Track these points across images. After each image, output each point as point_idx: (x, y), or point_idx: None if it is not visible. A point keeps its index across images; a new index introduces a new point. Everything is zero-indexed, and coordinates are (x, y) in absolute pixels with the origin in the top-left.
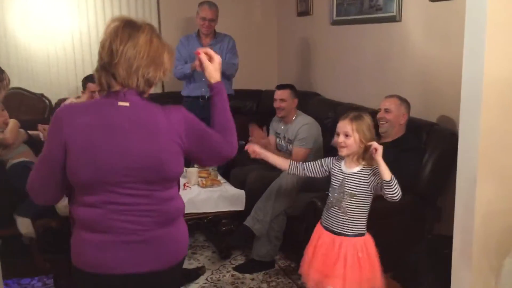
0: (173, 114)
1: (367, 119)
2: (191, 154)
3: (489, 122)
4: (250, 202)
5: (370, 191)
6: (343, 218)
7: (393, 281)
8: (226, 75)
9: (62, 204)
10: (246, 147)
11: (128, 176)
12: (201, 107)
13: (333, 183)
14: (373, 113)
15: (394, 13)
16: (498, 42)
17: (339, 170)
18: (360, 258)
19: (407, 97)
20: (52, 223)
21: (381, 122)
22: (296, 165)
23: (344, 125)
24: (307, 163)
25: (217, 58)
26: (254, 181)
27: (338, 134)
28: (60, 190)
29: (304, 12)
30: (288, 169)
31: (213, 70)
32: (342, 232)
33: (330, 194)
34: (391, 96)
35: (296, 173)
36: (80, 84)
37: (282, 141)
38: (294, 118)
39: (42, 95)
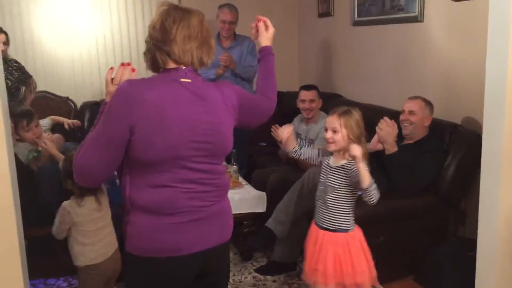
0: (224, 88)
1: (356, 115)
2: (241, 123)
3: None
4: (272, 203)
5: (351, 186)
6: (325, 212)
7: (415, 283)
8: (245, 78)
9: None
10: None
11: (198, 150)
12: None
13: (321, 177)
14: (396, 114)
15: (416, 13)
16: None
17: (327, 164)
18: (340, 254)
19: (430, 98)
20: None
21: (405, 124)
22: (301, 148)
23: (332, 121)
24: (308, 149)
25: (271, 29)
26: (275, 183)
27: (326, 130)
28: (112, 170)
29: (325, 13)
30: (294, 148)
31: (266, 37)
32: (325, 226)
33: (317, 188)
34: (415, 97)
35: (297, 153)
36: (104, 87)
37: (303, 142)
38: (316, 118)
39: (67, 98)
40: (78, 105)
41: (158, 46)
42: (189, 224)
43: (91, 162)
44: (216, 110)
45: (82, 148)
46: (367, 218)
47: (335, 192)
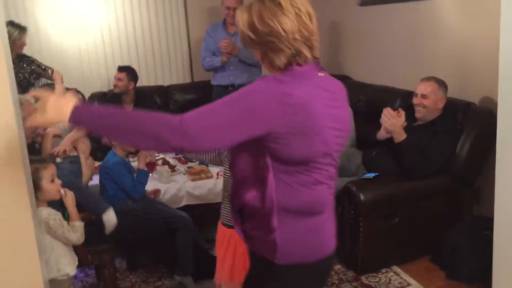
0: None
1: None
2: None
3: (507, 124)
4: None
5: None
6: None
7: (432, 264)
8: (250, 64)
9: None
10: None
11: (340, 145)
12: None
13: (225, 170)
14: (408, 95)
15: None
16: None
17: None
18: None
19: (442, 77)
20: (92, 216)
21: (418, 108)
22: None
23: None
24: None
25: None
26: None
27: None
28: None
29: None
30: None
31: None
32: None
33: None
34: (428, 79)
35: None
36: (111, 77)
37: None
38: None
39: (76, 89)
40: (87, 96)
41: (305, 41)
42: (328, 222)
43: (210, 136)
44: (344, 103)
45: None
46: (381, 200)
47: None
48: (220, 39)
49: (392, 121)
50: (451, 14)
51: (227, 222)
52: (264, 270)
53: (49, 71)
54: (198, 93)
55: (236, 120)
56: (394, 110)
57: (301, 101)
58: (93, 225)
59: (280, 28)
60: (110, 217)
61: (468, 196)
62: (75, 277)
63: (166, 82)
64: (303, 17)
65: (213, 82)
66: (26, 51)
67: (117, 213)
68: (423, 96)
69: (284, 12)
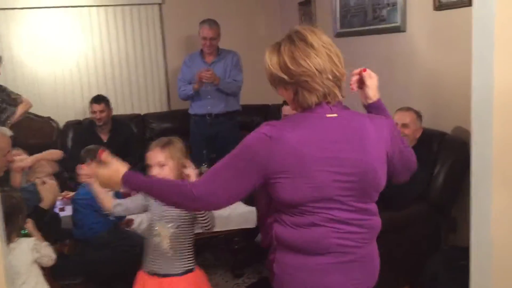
0: (379, 121)
1: (178, 142)
2: (390, 165)
3: (501, 130)
4: None
5: (190, 217)
6: (168, 255)
7: None
8: (229, 93)
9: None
10: None
11: (345, 189)
12: (209, 125)
13: (154, 217)
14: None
15: (399, 23)
16: (507, 49)
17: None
18: None
19: (415, 108)
20: (65, 248)
21: None
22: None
23: (155, 155)
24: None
25: (375, 77)
26: None
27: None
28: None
29: (307, 24)
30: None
31: (374, 88)
32: (169, 272)
33: (152, 233)
34: (407, 109)
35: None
36: (86, 105)
37: None
38: None
39: (49, 118)
40: (61, 124)
41: (335, 80)
42: (336, 266)
43: (216, 195)
44: (367, 147)
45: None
46: None
47: (179, 228)
48: (197, 69)
49: None
50: (424, 47)
51: (151, 269)
52: None
53: (19, 100)
54: (175, 121)
55: (237, 175)
56: None
57: (291, 144)
58: (65, 259)
59: (314, 68)
60: None
61: (445, 225)
62: None
63: (142, 111)
64: (334, 58)
65: (191, 111)
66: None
67: (91, 246)
68: (404, 126)
69: (317, 53)
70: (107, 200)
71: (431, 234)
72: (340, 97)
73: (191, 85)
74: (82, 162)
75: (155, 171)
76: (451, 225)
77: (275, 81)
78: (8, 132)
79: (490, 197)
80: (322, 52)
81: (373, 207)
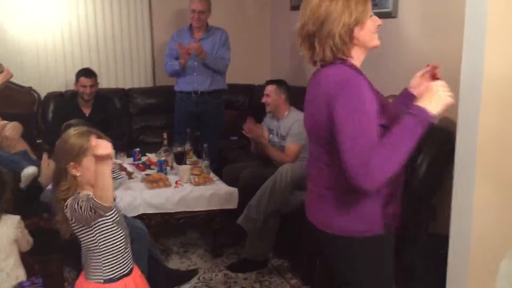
0: None
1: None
2: None
3: (488, 121)
4: (243, 199)
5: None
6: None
7: None
8: (215, 70)
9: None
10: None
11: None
12: (194, 102)
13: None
14: None
15: (390, 9)
16: (499, 39)
17: None
18: None
19: None
20: (41, 222)
21: None
22: None
23: None
24: None
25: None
26: (247, 178)
27: None
28: None
29: (297, 6)
30: None
31: (428, 94)
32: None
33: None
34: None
35: None
36: (69, 77)
37: (275, 138)
38: (286, 114)
39: (30, 88)
40: (42, 95)
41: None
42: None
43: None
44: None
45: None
46: None
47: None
48: (185, 44)
49: None
50: (414, 33)
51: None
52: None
53: (0, 68)
54: (160, 98)
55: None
56: None
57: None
58: (42, 234)
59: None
60: (28, 171)
61: (424, 214)
62: (21, 286)
63: (127, 85)
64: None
65: (176, 89)
66: None
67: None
68: None
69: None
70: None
71: (411, 223)
72: None
73: (178, 61)
74: None
75: None
76: (431, 213)
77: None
78: None
79: (473, 188)
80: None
81: None
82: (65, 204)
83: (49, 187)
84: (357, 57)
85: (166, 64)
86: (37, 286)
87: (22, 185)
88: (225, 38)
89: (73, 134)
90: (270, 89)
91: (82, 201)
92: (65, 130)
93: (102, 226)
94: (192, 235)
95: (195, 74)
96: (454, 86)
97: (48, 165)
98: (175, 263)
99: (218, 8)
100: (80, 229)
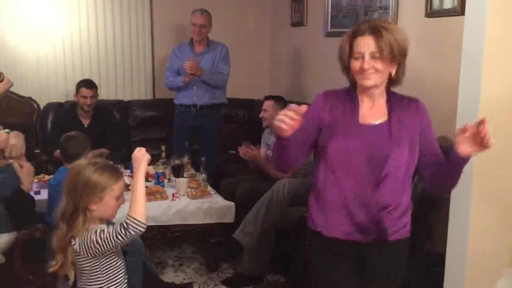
0: None
1: None
2: None
3: None
4: (240, 213)
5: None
6: None
7: None
8: (213, 86)
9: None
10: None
11: None
12: (193, 116)
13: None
14: None
15: None
16: (496, 61)
17: None
18: None
19: None
20: (36, 233)
21: None
22: None
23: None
24: None
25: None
26: (244, 193)
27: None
28: None
29: (298, 22)
30: None
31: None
32: None
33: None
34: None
35: None
36: (69, 88)
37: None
38: None
39: (30, 98)
40: (42, 106)
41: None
42: None
43: None
44: None
45: None
46: None
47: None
48: (186, 59)
49: None
50: (413, 53)
51: None
52: None
53: (1, 77)
54: (159, 110)
55: None
56: None
57: None
58: (37, 243)
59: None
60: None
61: (420, 232)
62: None
63: (126, 97)
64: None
65: (176, 102)
66: None
67: None
68: None
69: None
70: None
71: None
72: None
73: (181, 77)
74: (61, 148)
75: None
76: (427, 232)
77: (398, 55)
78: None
79: (469, 206)
80: None
81: None
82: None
83: (42, 196)
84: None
85: (167, 78)
86: None
87: None
88: (225, 52)
89: (93, 171)
90: (268, 104)
91: (102, 230)
92: (64, 141)
93: (108, 257)
94: (188, 249)
95: (194, 88)
96: (452, 106)
97: (22, 168)
98: (170, 276)
99: (219, 22)
100: (86, 261)
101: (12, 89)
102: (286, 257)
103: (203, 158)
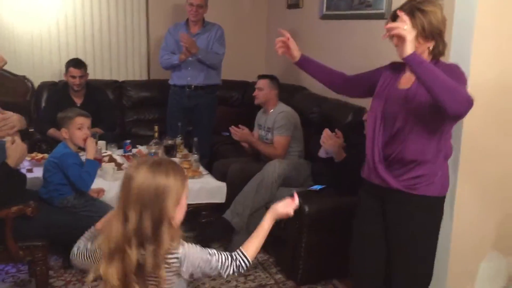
0: None
1: None
2: None
3: (471, 128)
4: (231, 194)
5: None
6: None
7: None
8: (208, 65)
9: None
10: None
11: None
12: (187, 96)
13: None
14: (360, 111)
15: (384, 10)
16: (484, 47)
17: None
18: None
19: None
20: (27, 210)
21: (365, 124)
22: None
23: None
24: None
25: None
26: (235, 173)
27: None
28: None
29: (294, 4)
30: None
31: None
32: None
33: None
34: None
35: None
36: (64, 67)
37: (263, 131)
38: (274, 108)
39: (24, 77)
40: (36, 84)
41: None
42: None
43: None
44: None
45: None
46: (326, 212)
47: None
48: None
49: (330, 142)
50: None
51: None
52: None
53: None
54: (154, 91)
55: None
56: (333, 132)
57: None
58: (27, 220)
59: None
60: None
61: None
62: (6, 272)
63: (121, 77)
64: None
65: (170, 82)
66: None
67: (56, 209)
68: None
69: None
70: None
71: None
72: None
73: (177, 55)
74: (58, 126)
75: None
76: None
77: (430, 35)
78: None
79: (455, 188)
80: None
81: None
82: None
83: (35, 174)
84: None
85: (162, 57)
86: (22, 273)
87: None
88: (221, 33)
89: (165, 175)
90: (263, 82)
91: (208, 259)
92: (60, 121)
93: None
94: (180, 228)
95: (189, 68)
96: None
97: (13, 143)
98: None
99: (215, 4)
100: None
101: (6, 67)
102: (276, 238)
103: (195, 139)
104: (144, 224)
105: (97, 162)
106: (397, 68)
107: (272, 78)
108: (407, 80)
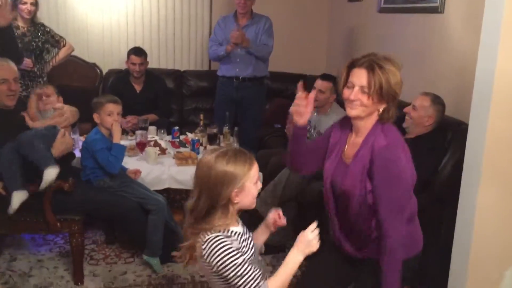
0: None
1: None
2: None
3: (496, 129)
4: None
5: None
6: None
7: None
8: (258, 56)
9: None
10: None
11: None
12: (235, 88)
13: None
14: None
15: (437, 4)
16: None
17: None
18: None
19: (442, 93)
20: (65, 185)
21: (406, 117)
22: None
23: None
24: None
25: None
26: (274, 165)
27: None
28: None
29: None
30: None
31: None
32: None
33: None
34: (427, 94)
35: None
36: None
37: (312, 130)
38: (329, 110)
39: (94, 64)
40: (104, 71)
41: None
42: None
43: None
44: None
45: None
46: None
47: None
48: (230, 30)
49: None
50: (459, 30)
51: None
52: None
53: (62, 43)
54: (212, 81)
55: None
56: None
57: None
58: (65, 194)
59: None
60: (49, 173)
61: (447, 218)
62: (55, 242)
63: (183, 67)
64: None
65: (219, 73)
66: (52, 22)
67: (94, 189)
68: (414, 107)
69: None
70: None
71: (433, 226)
72: None
73: (224, 46)
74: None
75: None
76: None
77: (386, 96)
78: (11, 63)
79: (477, 191)
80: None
81: None
82: (204, 239)
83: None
84: None
85: (211, 47)
86: (68, 244)
87: (42, 186)
88: (269, 25)
89: (226, 162)
90: (326, 86)
91: (242, 269)
92: (93, 106)
93: None
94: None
95: (238, 60)
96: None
97: (63, 136)
98: None
99: None
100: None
101: (79, 55)
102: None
103: (236, 128)
104: (200, 204)
105: (124, 146)
106: (345, 125)
107: (335, 81)
108: (351, 147)
